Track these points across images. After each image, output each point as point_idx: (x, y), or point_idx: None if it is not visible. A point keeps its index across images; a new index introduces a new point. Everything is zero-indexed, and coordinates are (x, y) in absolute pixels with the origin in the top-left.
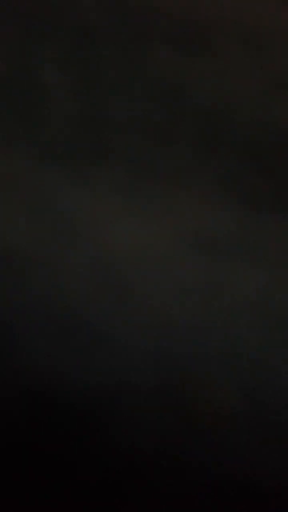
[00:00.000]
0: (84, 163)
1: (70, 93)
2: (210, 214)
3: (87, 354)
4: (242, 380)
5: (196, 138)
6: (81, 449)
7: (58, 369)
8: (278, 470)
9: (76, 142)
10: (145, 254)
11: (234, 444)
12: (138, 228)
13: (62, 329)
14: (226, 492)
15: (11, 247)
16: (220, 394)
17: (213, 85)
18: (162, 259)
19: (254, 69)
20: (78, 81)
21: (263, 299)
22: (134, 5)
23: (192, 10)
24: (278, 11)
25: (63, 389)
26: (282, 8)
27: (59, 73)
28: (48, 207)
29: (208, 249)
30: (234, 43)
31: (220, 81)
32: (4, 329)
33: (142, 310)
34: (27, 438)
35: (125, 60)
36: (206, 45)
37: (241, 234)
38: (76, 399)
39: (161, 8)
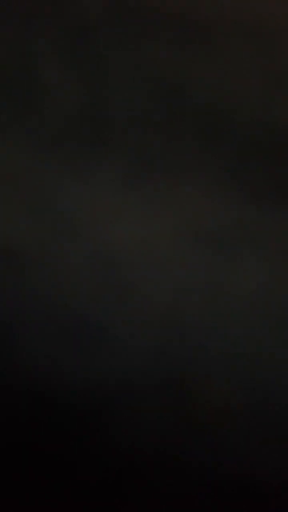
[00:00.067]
0: (84, 159)
1: (70, 89)
2: (211, 210)
3: (87, 353)
4: (243, 379)
5: (197, 134)
6: (81, 449)
7: (58, 369)
8: (278, 470)
9: (76, 138)
10: (146, 252)
11: (234, 444)
12: (139, 225)
13: (62, 328)
14: (226, 492)
15: (10, 245)
16: (220, 393)
17: (214, 81)
18: (163, 257)
19: (254, 66)
20: (78, 78)
21: (265, 297)
22: (134, 4)
23: (192, 8)
24: (279, 9)
25: (63, 389)
26: (283, 7)
27: (58, 69)
28: (48, 204)
29: (210, 245)
30: (234, 41)
31: (221, 78)
32: (4, 329)
33: (142, 309)
34: (27, 438)
35: (125, 56)
36: (206, 43)
37: (243, 230)
38: (76, 399)
39: (161, 6)
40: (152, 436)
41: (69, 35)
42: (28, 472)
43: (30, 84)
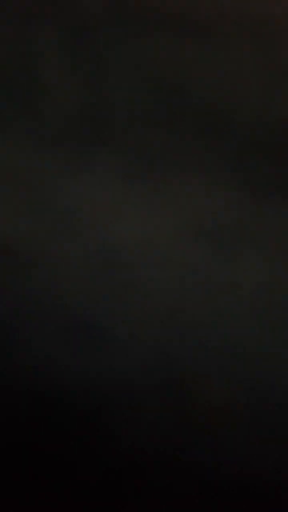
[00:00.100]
0: (84, 159)
1: (70, 89)
2: (212, 209)
3: (87, 353)
4: (243, 379)
5: (197, 133)
6: (81, 449)
7: (58, 369)
8: (278, 470)
9: (76, 138)
10: (146, 251)
11: (234, 444)
12: (139, 224)
13: (62, 328)
14: (226, 492)
15: (10, 245)
16: (220, 393)
17: (214, 81)
18: (164, 256)
19: (254, 66)
20: (78, 78)
21: (266, 297)
22: (134, 4)
23: (192, 8)
24: (279, 9)
25: (63, 389)
26: (283, 6)
27: (58, 69)
28: (48, 204)
29: (210, 245)
30: (234, 40)
31: (221, 77)
32: (4, 329)
33: (142, 309)
34: (27, 438)
35: (125, 56)
36: (206, 42)
37: (243, 229)
38: (76, 399)
39: (161, 6)
40: (152, 436)
41: (69, 35)
42: (28, 472)
43: (30, 84)
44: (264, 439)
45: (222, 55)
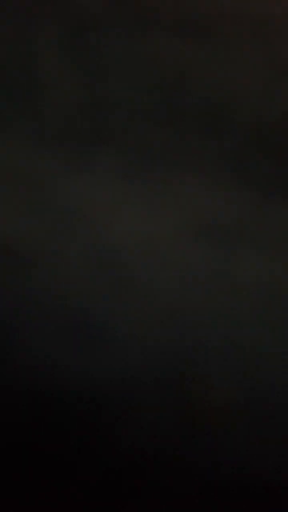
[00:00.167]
0: (84, 158)
1: (70, 89)
2: (212, 208)
3: (87, 353)
4: (243, 379)
5: (197, 132)
6: (81, 449)
7: (58, 369)
8: (278, 470)
9: (76, 138)
10: (146, 250)
11: (234, 444)
12: (139, 223)
13: (62, 328)
14: (226, 492)
15: (9, 242)
16: (220, 393)
17: (215, 79)
18: (164, 255)
19: (255, 64)
20: (78, 77)
21: (266, 297)
22: (134, 3)
23: (193, 6)
24: (279, 7)
25: (63, 389)
26: (283, 5)
27: (58, 64)
28: (48, 203)
29: (211, 243)
30: (235, 38)
31: (221, 76)
32: (4, 329)
33: (143, 309)
34: (27, 438)
35: (125, 45)
36: (206, 40)
37: (243, 227)
38: (76, 399)
39: (161, 6)
40: (152, 436)
41: (69, 35)
42: (28, 472)
43: (30, 84)
44: (264, 439)
45: (222, 55)
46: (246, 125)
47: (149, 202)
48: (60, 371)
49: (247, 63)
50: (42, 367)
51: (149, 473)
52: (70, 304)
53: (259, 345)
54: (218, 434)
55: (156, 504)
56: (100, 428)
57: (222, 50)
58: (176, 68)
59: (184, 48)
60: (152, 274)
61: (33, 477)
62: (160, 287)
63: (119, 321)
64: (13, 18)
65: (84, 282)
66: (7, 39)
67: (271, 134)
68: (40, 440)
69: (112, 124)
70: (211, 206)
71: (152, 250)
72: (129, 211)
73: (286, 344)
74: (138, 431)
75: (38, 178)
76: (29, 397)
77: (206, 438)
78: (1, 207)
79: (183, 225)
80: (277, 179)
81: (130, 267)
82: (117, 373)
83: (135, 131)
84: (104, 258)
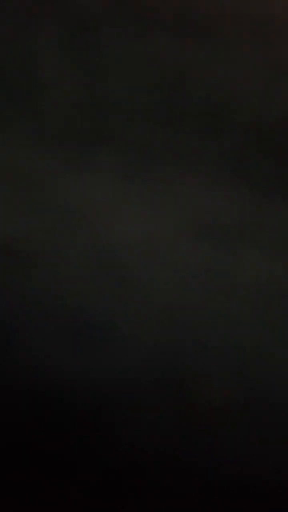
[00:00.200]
0: (84, 158)
1: (70, 89)
2: (212, 207)
3: (87, 353)
4: (243, 379)
5: (197, 131)
6: (81, 449)
7: (58, 369)
8: (278, 470)
9: (76, 137)
10: (146, 250)
11: (234, 443)
12: (139, 223)
13: (63, 328)
14: (226, 492)
15: (9, 242)
16: (220, 393)
17: (215, 79)
18: (164, 255)
19: (256, 55)
20: (78, 68)
21: (267, 297)
22: (134, 3)
23: (193, 2)
24: (279, 3)
25: (63, 389)
26: (283, 3)
27: (58, 64)
28: (48, 203)
29: (211, 243)
30: (236, 30)
31: (221, 76)
32: (4, 329)
33: (143, 309)
34: (27, 438)
35: (125, 45)
36: (206, 40)
37: (245, 223)
38: (76, 399)
39: (161, 6)
40: (152, 436)
41: (69, 35)
42: (28, 472)
43: (30, 84)
44: (264, 439)
45: (222, 55)
46: (246, 125)
47: (149, 202)
48: (60, 371)
49: (247, 63)
50: (42, 367)
51: (149, 473)
52: (70, 304)
53: (259, 345)
54: (218, 434)
55: (156, 504)
56: (100, 428)
57: (222, 50)
58: (176, 68)
59: (184, 48)
60: (152, 274)
61: (33, 477)
62: (160, 287)
63: (119, 321)
64: (13, 18)
65: (84, 282)
66: (7, 39)
67: (271, 134)
68: (40, 440)
69: (112, 124)
70: (211, 206)
71: (152, 250)
72: (129, 211)
73: (286, 344)
74: (138, 431)
75: (38, 178)
76: (29, 397)
77: (206, 438)
78: (1, 207)
79: (183, 225)
80: (277, 179)
81: (130, 267)
82: (117, 373)
83: (135, 131)
84: (104, 258)
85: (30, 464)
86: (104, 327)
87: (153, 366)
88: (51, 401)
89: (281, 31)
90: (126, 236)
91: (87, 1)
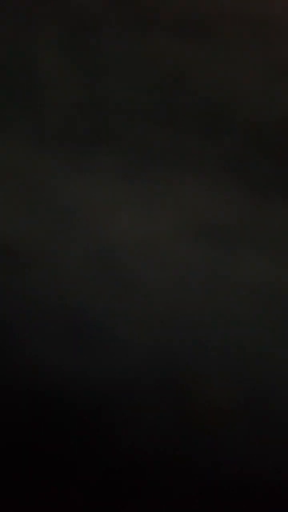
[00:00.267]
0: (84, 158)
1: (70, 88)
2: (212, 207)
3: (87, 353)
4: (243, 379)
5: (197, 131)
6: (81, 449)
7: (58, 369)
8: (278, 470)
9: (76, 137)
10: (146, 250)
11: (234, 444)
12: (139, 223)
13: (62, 328)
14: (226, 492)
15: (9, 242)
16: (220, 393)
17: (216, 70)
18: (164, 255)
19: (256, 55)
20: (78, 68)
21: (267, 297)
22: (134, 3)
23: (193, 2)
24: (279, 3)
25: (63, 389)
26: (284, 1)
27: (58, 60)
28: (48, 203)
29: (211, 243)
30: (236, 30)
31: (222, 66)
32: (4, 329)
33: (143, 309)
34: (27, 438)
35: (125, 45)
36: (207, 40)
37: (245, 223)
38: (76, 399)
39: (161, 5)
40: (152, 436)
41: (69, 35)
42: (28, 472)
43: (30, 84)
44: (264, 439)
45: (222, 55)
46: (246, 125)
47: (149, 202)
48: (60, 371)
49: (247, 63)
50: (42, 367)
51: (149, 473)
52: (70, 304)
53: (259, 345)
54: (218, 434)
55: (156, 504)
56: (100, 428)
57: (222, 50)
58: (176, 68)
59: (184, 48)
60: (152, 274)
61: (33, 477)
62: (160, 287)
63: (119, 321)
64: (13, 18)
65: (84, 282)
66: (7, 39)
67: (271, 134)
68: (40, 440)
69: (112, 124)
70: (211, 206)
71: (152, 250)
72: (129, 211)
73: (286, 344)
74: (138, 431)
75: (38, 178)
76: (29, 397)
77: (206, 438)
78: (1, 207)
79: (183, 225)
80: (277, 179)
81: (130, 267)
82: (117, 373)
83: (135, 131)
84: (104, 258)
85: (30, 464)
86: (104, 327)
87: (153, 366)
88: (51, 401)
89: (281, 31)
90: (126, 236)
91: (87, 1)
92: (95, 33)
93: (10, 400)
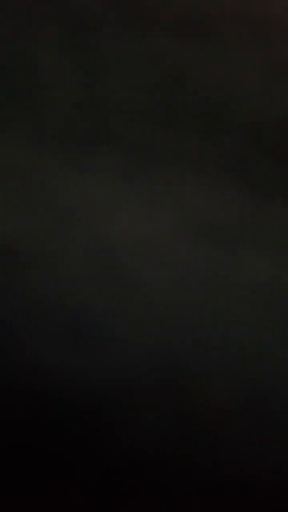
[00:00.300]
0: (84, 158)
1: (70, 88)
2: (212, 207)
3: (87, 353)
4: (243, 379)
5: (197, 131)
6: (81, 449)
7: (58, 369)
8: (278, 470)
9: (76, 137)
10: (146, 250)
11: (234, 444)
12: (139, 223)
13: (62, 328)
14: (226, 492)
15: (9, 242)
16: (220, 393)
17: (216, 70)
18: (164, 255)
19: (256, 55)
20: (78, 68)
21: (267, 297)
22: (134, 3)
23: (193, 2)
24: (279, 3)
25: (63, 389)
26: (284, 1)
27: (58, 60)
28: (48, 203)
29: (211, 243)
30: (236, 30)
31: (222, 66)
32: (4, 329)
33: (143, 309)
34: (27, 438)
35: (125, 45)
36: (207, 40)
37: (245, 223)
38: (76, 399)
39: (161, 5)
40: (152, 436)
41: (69, 35)
42: (28, 472)
43: (30, 84)
44: (264, 439)
45: (222, 55)
46: (246, 125)
47: (149, 202)
48: (60, 371)
49: (247, 63)
50: (42, 367)
51: (149, 473)
52: (70, 304)
53: (259, 345)
54: (218, 434)
55: (156, 504)
56: (100, 428)
57: (222, 50)
58: (176, 68)
59: (184, 48)
60: (152, 274)
61: (33, 477)
62: (160, 287)
63: (119, 321)
64: (13, 18)
65: (84, 282)
66: (7, 39)
67: (271, 134)
68: (40, 440)
69: (112, 124)
70: (211, 206)
71: (152, 250)
72: (129, 211)
73: (286, 344)
74: (138, 431)
75: (38, 178)
76: (29, 397)
77: (206, 438)
78: (1, 207)
79: (183, 225)
80: (277, 179)
81: (130, 267)
82: (117, 373)
83: (135, 131)
84: (104, 258)
85: (30, 464)
86: (104, 327)
87: (153, 366)
88: (51, 401)
89: (281, 31)
90: (126, 236)
91: (87, 1)
92: (95, 33)
93: (10, 400)
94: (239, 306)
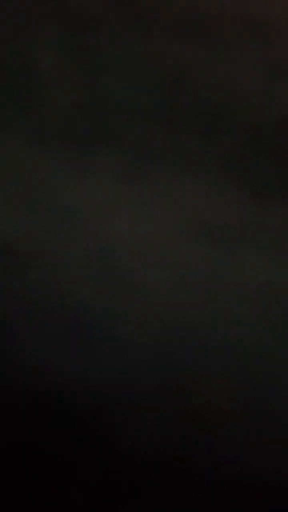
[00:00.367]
0: (84, 158)
1: (70, 88)
2: (212, 207)
3: (87, 353)
4: (243, 379)
5: (197, 131)
6: (81, 449)
7: (58, 369)
8: (278, 470)
9: (76, 137)
10: (146, 250)
11: (234, 444)
12: (139, 223)
13: (62, 328)
14: (226, 492)
15: (9, 242)
16: (220, 393)
17: (216, 70)
18: (164, 256)
19: (256, 55)
20: (78, 68)
21: (266, 297)
22: (134, 3)
23: (193, 2)
24: (279, 3)
25: (63, 389)
26: (284, 1)
27: (58, 60)
28: (48, 203)
29: (210, 243)
30: (236, 30)
31: (222, 66)
32: (4, 329)
33: (143, 309)
34: (27, 438)
35: (125, 45)
36: (207, 40)
37: (245, 223)
38: (76, 399)
39: (161, 5)
40: (152, 436)
41: (69, 35)
42: (28, 472)
43: (30, 84)
44: (264, 439)
45: (222, 55)
46: (246, 125)
47: (149, 202)
48: (60, 371)
49: (247, 63)
50: (42, 367)
51: (149, 473)
52: (70, 304)
53: (259, 345)
54: (218, 434)
55: (156, 504)
56: (100, 428)
57: (222, 50)
58: (176, 68)
59: (184, 48)
60: (152, 274)
61: (33, 477)
62: (160, 287)
63: (119, 321)
64: (13, 18)
65: (84, 282)
66: (7, 39)
67: (271, 134)
68: (40, 440)
69: (112, 124)
70: (211, 206)
71: (152, 250)
72: (129, 211)
73: (286, 344)
74: (138, 431)
75: (38, 178)
76: (29, 397)
77: (206, 438)
78: (1, 207)
79: (183, 225)
80: (277, 179)
81: (130, 267)
82: (117, 373)
83: (135, 131)
84: (104, 258)
85: (30, 464)
86: (104, 327)
87: (153, 366)
88: (51, 401)
89: (281, 31)
90: (126, 236)
91: (87, 1)
92: (95, 33)
93: (10, 400)
94: (239, 306)
